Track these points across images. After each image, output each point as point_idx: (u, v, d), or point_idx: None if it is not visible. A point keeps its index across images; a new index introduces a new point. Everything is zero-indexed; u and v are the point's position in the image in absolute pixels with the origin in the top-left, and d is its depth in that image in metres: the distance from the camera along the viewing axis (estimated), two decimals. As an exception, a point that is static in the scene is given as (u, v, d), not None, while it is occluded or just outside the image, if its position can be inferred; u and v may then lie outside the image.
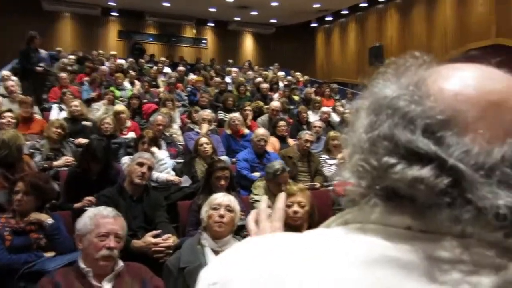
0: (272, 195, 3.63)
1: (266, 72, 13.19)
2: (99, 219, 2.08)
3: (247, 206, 3.56)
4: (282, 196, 0.82)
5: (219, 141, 5.49)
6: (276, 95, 10.25)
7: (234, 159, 5.12)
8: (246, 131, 5.98)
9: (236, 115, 5.94)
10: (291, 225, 2.73)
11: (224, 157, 5.10)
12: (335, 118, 8.26)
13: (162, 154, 4.40)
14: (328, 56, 17.27)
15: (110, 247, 2.01)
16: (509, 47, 9.79)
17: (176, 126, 6.33)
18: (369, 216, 0.50)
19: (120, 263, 2.09)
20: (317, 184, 4.75)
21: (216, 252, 2.34)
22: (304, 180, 4.90)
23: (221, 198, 2.51)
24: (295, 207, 2.74)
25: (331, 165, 5.20)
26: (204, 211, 2.48)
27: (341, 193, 4.77)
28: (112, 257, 2.03)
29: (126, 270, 2.10)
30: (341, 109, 9.13)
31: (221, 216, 2.41)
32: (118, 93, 8.01)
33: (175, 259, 2.31)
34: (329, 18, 16.79)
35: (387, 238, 0.47)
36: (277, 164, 3.87)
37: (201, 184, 4.07)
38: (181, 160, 4.94)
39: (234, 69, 13.45)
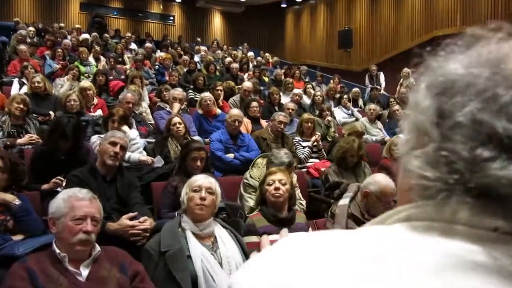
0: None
1: (235, 52, 13.01)
2: (74, 201, 1.95)
3: (224, 188, 3.49)
4: (285, 232, 0.79)
5: (190, 121, 5.35)
6: (246, 76, 10.14)
7: (207, 140, 5.01)
8: (218, 111, 5.87)
9: (207, 94, 5.80)
10: (273, 202, 2.69)
11: (196, 137, 4.99)
12: (306, 100, 8.26)
13: (133, 133, 4.23)
14: (298, 38, 17.22)
15: (87, 231, 1.89)
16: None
17: (145, 105, 6.12)
18: (451, 215, 0.43)
19: (98, 248, 1.98)
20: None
21: (197, 236, 2.27)
22: (278, 162, 4.87)
23: (202, 180, 2.42)
24: (277, 184, 2.69)
25: (304, 147, 5.19)
26: (184, 193, 2.39)
27: (316, 175, 4.80)
28: (89, 241, 1.92)
29: (103, 255, 1.99)
30: (311, 91, 9.14)
31: (203, 199, 2.32)
32: (82, 68, 7.65)
33: (154, 243, 2.21)
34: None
35: (474, 241, 0.41)
36: (285, 157, 3.66)
37: (174, 165, 3.98)
38: (152, 140, 4.79)
39: (203, 47, 13.18)
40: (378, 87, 10.05)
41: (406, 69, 10.24)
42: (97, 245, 1.99)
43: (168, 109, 5.50)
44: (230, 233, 2.42)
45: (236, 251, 2.31)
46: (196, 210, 2.30)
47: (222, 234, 2.36)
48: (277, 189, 2.68)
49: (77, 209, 1.93)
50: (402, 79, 10.23)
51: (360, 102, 9.14)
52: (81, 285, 1.85)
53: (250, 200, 3.44)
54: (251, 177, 3.65)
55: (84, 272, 1.88)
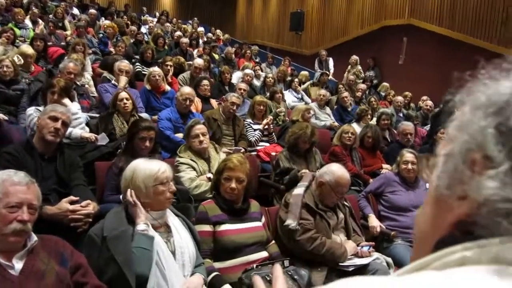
0: (194, 154, 3.44)
1: (185, 26, 12.56)
2: (9, 186, 1.72)
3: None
4: (278, 268, 0.69)
5: (137, 96, 5.07)
6: (195, 52, 9.83)
7: (154, 117, 4.78)
8: (167, 87, 5.62)
9: (156, 69, 5.52)
10: (226, 198, 2.57)
11: (143, 114, 4.74)
12: (256, 82, 8.15)
13: (74, 106, 3.92)
14: (249, 17, 16.94)
15: (23, 220, 1.68)
16: (419, 28, 10.38)
17: (88, 76, 5.72)
18: None
19: (34, 237, 1.77)
20: (242, 149, 4.62)
21: (152, 225, 2.11)
22: (228, 144, 4.75)
23: (167, 170, 2.20)
24: (233, 183, 2.54)
25: (255, 129, 5.10)
26: (150, 186, 2.12)
27: (266, 159, 4.74)
28: (25, 231, 1.70)
29: (40, 245, 1.78)
30: (260, 73, 9.04)
31: (172, 192, 2.18)
32: (18, 31, 7.00)
33: (98, 229, 2.03)
34: (252, -23, 16.38)
35: None
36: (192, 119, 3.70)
37: (120, 143, 3.74)
38: (95, 115, 4.48)
39: (151, 18, 12.62)
40: (327, 72, 10.13)
41: (354, 56, 10.42)
42: (33, 234, 1.78)
43: (113, 81, 5.17)
44: (182, 221, 2.29)
45: (190, 241, 2.19)
46: (166, 204, 2.18)
47: (174, 222, 2.22)
48: (233, 189, 2.54)
49: (12, 195, 1.70)
50: (350, 66, 10.41)
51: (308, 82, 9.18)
52: (13, 280, 1.64)
53: (186, 175, 3.28)
54: (180, 156, 3.47)
55: (18, 265, 1.67)
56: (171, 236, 2.16)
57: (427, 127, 6.83)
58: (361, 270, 2.62)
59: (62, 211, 2.35)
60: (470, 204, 0.42)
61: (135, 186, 2.15)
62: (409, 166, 3.64)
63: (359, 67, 10.42)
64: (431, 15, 10.14)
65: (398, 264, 3.05)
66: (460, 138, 0.45)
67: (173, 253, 2.10)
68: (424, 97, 9.23)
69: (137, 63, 6.87)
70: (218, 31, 12.91)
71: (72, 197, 2.43)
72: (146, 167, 2.18)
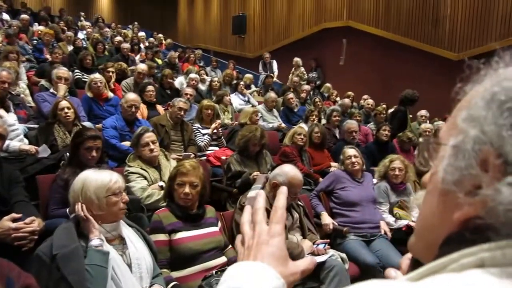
0: (144, 162, 3.34)
1: (125, 31, 12.23)
2: None
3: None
4: (283, 192, 0.66)
5: (79, 104, 4.86)
6: (138, 57, 9.60)
7: (98, 125, 4.60)
8: (110, 94, 5.43)
9: (98, 76, 5.31)
10: (180, 205, 2.52)
11: (86, 123, 4.55)
12: (201, 86, 8.09)
13: (11, 117, 3.69)
14: (191, 21, 16.80)
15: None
16: (357, 29, 10.80)
17: (23, 85, 5.41)
18: None
19: (-25, 260, 1.64)
20: (192, 154, 4.56)
21: (105, 238, 2.02)
22: (177, 150, 4.68)
23: (120, 180, 2.12)
24: (187, 189, 2.50)
25: (204, 134, 5.05)
26: (102, 197, 2.03)
27: (216, 163, 4.71)
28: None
29: (-18, 268, 1.65)
30: (205, 77, 8.99)
31: (125, 202, 2.09)
32: None
33: (47, 246, 1.91)
34: (192, -19, 16.27)
35: None
36: (140, 127, 3.59)
37: (63, 155, 3.56)
38: (34, 126, 4.23)
39: (88, 23, 12.16)
40: (272, 74, 10.26)
41: (296, 59, 10.63)
42: (-26, 258, 1.64)
43: (52, 90, 4.91)
44: (137, 232, 2.21)
45: (146, 252, 2.12)
46: (120, 215, 2.08)
47: (128, 233, 2.14)
48: (187, 194, 2.50)
49: None
50: (293, 68, 10.61)
51: (253, 88, 9.25)
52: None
53: (137, 184, 3.19)
54: (129, 165, 3.36)
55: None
56: (126, 248, 2.08)
57: (370, 125, 7.10)
58: (319, 268, 2.66)
59: (4, 230, 2.19)
60: (481, 205, 0.41)
61: (86, 198, 2.05)
62: (352, 159, 3.77)
63: (302, 69, 10.64)
64: (368, 17, 10.58)
65: (352, 259, 3.14)
66: (471, 132, 0.43)
67: (129, 266, 2.02)
68: (365, 96, 9.60)
69: (76, 70, 6.58)
70: (160, 35, 12.67)
71: (14, 215, 2.27)
72: (97, 178, 2.09)
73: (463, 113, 0.45)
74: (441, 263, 0.41)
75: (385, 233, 3.51)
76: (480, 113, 0.42)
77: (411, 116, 7.28)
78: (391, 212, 3.77)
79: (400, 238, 3.56)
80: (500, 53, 0.45)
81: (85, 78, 6.40)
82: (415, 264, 0.74)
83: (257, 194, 0.68)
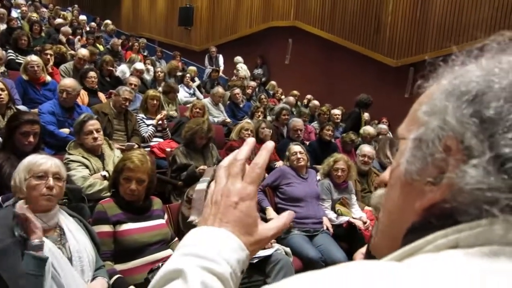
0: (86, 151, 3.18)
1: (64, 13, 11.58)
2: None
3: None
4: (269, 147, 0.60)
5: (12, 86, 4.54)
6: (76, 40, 9.13)
7: (34, 110, 4.31)
8: (48, 78, 5.12)
9: (35, 58, 4.98)
10: (126, 200, 2.42)
11: (21, 107, 4.27)
12: (147, 76, 7.86)
13: None
14: (136, 9, 16.23)
15: None
16: (303, 30, 11.01)
17: None
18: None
19: None
20: (135, 145, 4.42)
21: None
22: (120, 139, 4.51)
23: (48, 163, 1.98)
24: (133, 185, 2.40)
25: (148, 125, 4.91)
26: (21, 178, 1.94)
27: (160, 155, 4.60)
28: None
29: None
30: (150, 67, 8.75)
31: (50, 188, 1.93)
32: None
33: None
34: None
35: None
36: (83, 114, 3.45)
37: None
38: (-39, 107, 3.89)
39: (22, 1, 11.38)
40: (217, 68, 10.20)
41: (238, 57, 10.65)
42: None
43: (-18, 70, 4.55)
44: (79, 222, 2.10)
45: (87, 244, 2.02)
46: (41, 201, 1.91)
47: (68, 224, 2.02)
48: (133, 190, 2.40)
49: None
50: (237, 65, 10.61)
51: (197, 82, 9.13)
52: None
53: (78, 173, 3.03)
54: (69, 153, 3.19)
55: None
56: (66, 240, 1.96)
57: (314, 124, 7.29)
58: (265, 261, 2.69)
59: None
60: (445, 190, 0.42)
61: (15, 182, 1.93)
62: (298, 155, 3.84)
63: (244, 66, 10.64)
64: (314, 19, 10.82)
65: (296, 253, 3.20)
66: (433, 123, 0.44)
67: (70, 259, 1.91)
68: (309, 96, 9.83)
69: (10, 50, 6.13)
70: (107, 21, 12.09)
71: None
72: (28, 160, 1.98)
73: (424, 107, 0.46)
74: (417, 245, 0.42)
75: (327, 228, 3.61)
76: (440, 104, 0.44)
77: (367, 119, 7.60)
78: (333, 208, 3.89)
79: (341, 234, 3.69)
80: (456, 53, 0.48)
81: (19, 59, 6.00)
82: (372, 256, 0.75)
83: (235, 155, 0.61)
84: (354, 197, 4.06)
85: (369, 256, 0.67)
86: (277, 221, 0.61)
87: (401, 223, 0.48)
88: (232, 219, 0.56)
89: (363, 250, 0.73)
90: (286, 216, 0.61)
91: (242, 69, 10.55)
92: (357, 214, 3.90)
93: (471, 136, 0.41)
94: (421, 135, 0.45)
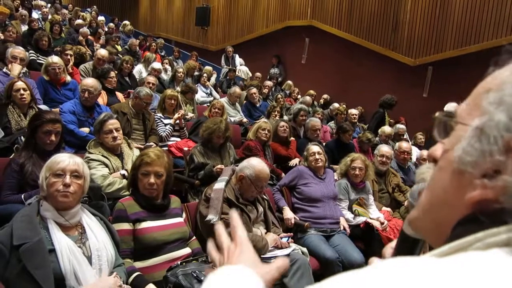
0: (106, 150, 3.22)
1: (83, 14, 11.75)
2: None
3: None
4: (234, 214, 0.78)
5: (34, 86, 4.62)
6: (97, 42, 9.27)
7: (55, 110, 4.39)
8: (68, 78, 5.20)
9: (57, 60, 5.04)
10: (145, 196, 2.45)
11: (43, 106, 4.35)
12: (164, 76, 7.93)
13: (-40, 96, 3.45)
14: (153, 9, 16.35)
15: None
16: (319, 29, 10.96)
17: (-28, 63, 5.06)
18: None
19: None
20: (153, 144, 4.47)
21: (62, 226, 1.93)
22: (138, 139, 4.57)
23: (66, 161, 2.03)
24: (152, 179, 2.44)
25: (166, 124, 4.95)
26: (43, 177, 1.99)
27: (178, 154, 4.63)
28: None
29: None
30: (167, 67, 8.82)
31: (67, 185, 1.96)
32: None
33: (4, 235, 1.80)
34: (155, -33, 15.84)
35: None
36: (103, 113, 3.49)
37: (16, 138, 3.39)
38: (-15, 106, 3.98)
39: (43, 2, 11.58)
40: (234, 68, 10.23)
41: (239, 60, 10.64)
42: None
43: (5, 70, 4.64)
44: (100, 221, 2.13)
45: (108, 242, 2.05)
46: (59, 198, 1.94)
47: (90, 222, 2.05)
48: (151, 184, 2.44)
49: None
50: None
51: (213, 81, 9.17)
52: None
53: (98, 172, 3.07)
54: (89, 152, 3.23)
55: None
56: (86, 238, 1.99)
57: (330, 123, 7.26)
58: (282, 261, 2.68)
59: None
60: (501, 190, 0.41)
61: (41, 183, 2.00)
62: (316, 156, 3.83)
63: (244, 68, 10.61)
64: (331, 18, 10.76)
65: (312, 253, 3.19)
66: (498, 116, 0.42)
67: (89, 257, 1.94)
68: (325, 95, 9.79)
69: (31, 51, 6.25)
70: (125, 21, 12.22)
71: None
72: (50, 159, 2.06)
73: (491, 95, 0.44)
74: (466, 241, 0.42)
75: (344, 229, 3.59)
76: (510, 100, 0.42)
77: (392, 120, 7.56)
78: (350, 209, 3.87)
79: (358, 234, 3.67)
80: None
81: (40, 59, 6.11)
82: (402, 243, 0.74)
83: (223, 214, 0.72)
84: (371, 197, 4.03)
85: (399, 249, 0.68)
86: (275, 263, 0.70)
87: (447, 208, 0.48)
88: (243, 259, 0.67)
89: (392, 244, 0.73)
90: (280, 260, 0.70)
91: (241, 71, 10.58)
92: (375, 215, 3.87)
93: None
94: (483, 126, 0.44)
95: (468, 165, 0.44)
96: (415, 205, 0.65)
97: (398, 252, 0.73)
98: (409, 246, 0.70)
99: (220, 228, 0.76)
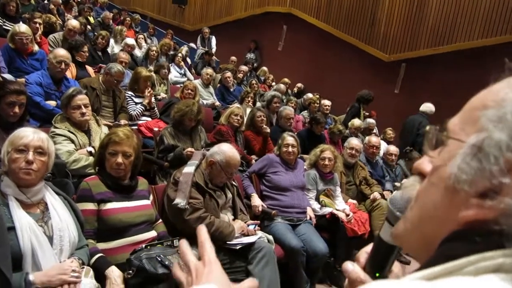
0: (73, 125, 3.11)
1: (54, -19, 11.23)
2: None
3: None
4: (203, 229, 0.74)
5: (-1, 54, 4.41)
6: (68, 12, 8.90)
7: (20, 80, 4.20)
8: (36, 48, 4.98)
9: (25, 30, 4.78)
10: (112, 176, 2.39)
11: (7, 75, 4.17)
12: (137, 52, 7.73)
13: None
14: (128, -18, 15.84)
15: None
16: (298, 18, 10.92)
17: None
18: None
19: None
20: (123, 122, 4.36)
21: (23, 203, 1.85)
22: (107, 116, 4.45)
23: (29, 137, 1.93)
24: (120, 158, 2.37)
25: (137, 103, 4.84)
26: (5, 152, 1.90)
27: (148, 134, 4.54)
28: None
29: None
30: (142, 42, 8.60)
31: (29, 162, 1.88)
32: None
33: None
34: None
35: None
36: (72, 87, 3.37)
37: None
38: None
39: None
40: (210, 50, 10.08)
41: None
42: None
43: (-33, 35, 4.40)
44: (63, 200, 2.06)
45: (71, 223, 1.98)
46: (21, 175, 1.86)
47: (53, 201, 1.98)
48: (119, 164, 2.38)
49: None
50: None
51: (189, 62, 9.02)
52: None
53: (64, 148, 2.97)
54: (55, 127, 3.10)
55: None
56: (49, 218, 1.92)
57: (304, 113, 7.30)
58: (247, 248, 2.69)
59: None
60: (500, 211, 0.40)
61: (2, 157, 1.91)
62: (290, 149, 3.83)
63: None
64: (310, 8, 10.73)
65: (278, 241, 3.22)
66: (497, 135, 0.41)
67: (51, 238, 1.87)
68: (299, 84, 9.81)
69: (-3, 16, 5.94)
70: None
71: None
72: (13, 133, 1.96)
73: (490, 113, 0.43)
74: (457, 264, 0.40)
75: (311, 218, 3.63)
76: (510, 117, 0.41)
77: (367, 113, 7.65)
78: (317, 199, 3.91)
79: (323, 225, 3.72)
80: None
81: (6, 25, 5.82)
82: (378, 249, 0.74)
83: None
84: (338, 189, 4.09)
85: (374, 256, 0.67)
86: (246, 282, 0.69)
87: (436, 224, 0.46)
88: (214, 278, 0.65)
89: (367, 249, 0.74)
90: (250, 282, 0.69)
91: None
92: (341, 206, 3.93)
93: None
94: (482, 144, 0.42)
95: (464, 183, 0.43)
96: (395, 213, 0.64)
97: (373, 257, 0.73)
98: (384, 252, 0.70)
99: (185, 246, 0.72)
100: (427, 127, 0.51)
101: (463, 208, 0.43)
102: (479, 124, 0.43)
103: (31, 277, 1.71)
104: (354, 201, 4.22)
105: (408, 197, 0.54)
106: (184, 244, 0.73)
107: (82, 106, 3.11)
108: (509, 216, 0.39)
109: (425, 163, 0.52)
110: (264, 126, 4.84)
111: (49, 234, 1.87)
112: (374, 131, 7.09)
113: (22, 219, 1.77)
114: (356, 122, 6.41)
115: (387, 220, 0.69)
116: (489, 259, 0.39)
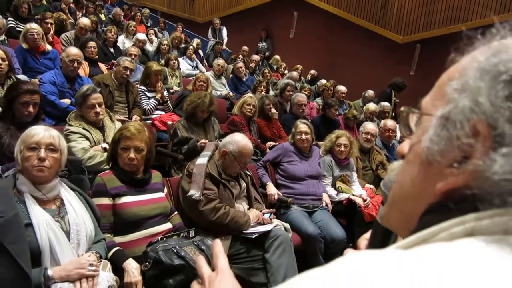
0: (87, 122, 3.15)
1: (65, -20, 11.31)
2: None
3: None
4: (217, 241, 0.76)
5: (13, 55, 4.47)
6: (80, 10, 8.98)
7: (34, 80, 4.27)
8: (48, 47, 5.04)
9: (35, 26, 4.89)
10: (125, 170, 2.41)
11: (21, 76, 4.22)
12: (149, 47, 7.75)
13: None
14: (138, -23, 15.85)
15: None
16: (309, 4, 10.77)
17: None
18: None
19: None
20: (136, 117, 4.39)
21: (39, 200, 1.88)
22: (121, 111, 4.48)
23: (40, 134, 1.96)
24: (132, 153, 2.39)
25: (149, 98, 4.86)
26: (18, 150, 1.93)
27: (161, 128, 4.57)
28: None
29: None
30: (153, 37, 8.63)
31: (41, 160, 1.91)
32: None
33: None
34: None
35: None
36: (86, 86, 3.36)
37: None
38: (-40, 75, 3.84)
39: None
40: (221, 41, 10.05)
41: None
42: None
43: (-19, 38, 4.47)
44: (79, 196, 2.09)
45: (87, 217, 2.01)
46: (34, 172, 1.89)
47: (69, 197, 2.01)
48: (131, 159, 2.39)
49: None
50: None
51: (201, 54, 9.02)
52: None
53: (79, 145, 3.00)
54: (70, 125, 3.14)
55: None
56: (65, 213, 1.95)
57: (318, 99, 7.23)
58: (264, 237, 2.69)
59: None
60: (469, 176, 0.41)
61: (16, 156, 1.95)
62: (303, 136, 3.80)
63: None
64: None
65: (295, 229, 3.21)
66: (462, 102, 0.41)
67: (68, 232, 1.91)
68: (312, 71, 9.71)
69: (10, 18, 6.03)
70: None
71: None
72: (25, 132, 1.99)
73: (454, 83, 0.43)
74: (431, 231, 0.40)
75: (327, 205, 3.61)
76: (474, 83, 0.41)
77: (397, 100, 7.57)
78: (333, 185, 3.88)
79: (340, 211, 3.69)
80: (496, 26, 0.44)
81: (19, 27, 5.90)
82: (376, 234, 0.74)
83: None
84: (355, 174, 4.05)
85: (373, 241, 0.67)
86: None
87: (415, 200, 0.47)
88: (226, 286, 0.67)
89: (367, 235, 0.73)
90: None
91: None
92: (357, 192, 3.89)
93: (505, 122, 0.38)
94: (449, 114, 0.43)
95: (436, 155, 0.43)
96: (387, 195, 0.64)
97: (371, 243, 0.72)
98: (382, 237, 0.70)
99: (201, 260, 0.75)
100: (401, 108, 0.51)
101: (438, 179, 0.44)
102: (447, 97, 0.44)
103: (50, 272, 1.74)
104: (371, 186, 4.17)
105: (394, 179, 0.53)
106: (201, 258, 0.75)
107: (97, 105, 3.14)
108: (479, 178, 0.39)
109: (404, 145, 0.53)
110: (273, 110, 4.85)
111: (66, 229, 1.90)
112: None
113: (39, 216, 1.80)
114: (371, 106, 6.32)
115: (382, 204, 0.68)
116: (462, 223, 0.39)
